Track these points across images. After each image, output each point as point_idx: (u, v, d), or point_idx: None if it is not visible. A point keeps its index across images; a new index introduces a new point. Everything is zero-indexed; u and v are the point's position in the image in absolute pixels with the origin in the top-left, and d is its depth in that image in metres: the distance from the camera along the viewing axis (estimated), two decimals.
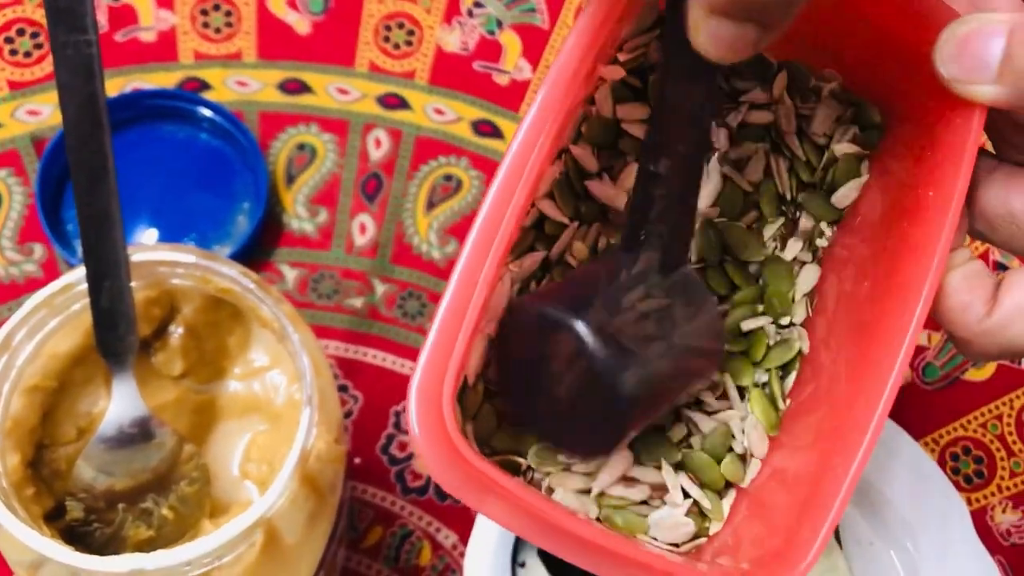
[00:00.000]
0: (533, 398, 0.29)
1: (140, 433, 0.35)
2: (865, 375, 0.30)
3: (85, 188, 0.32)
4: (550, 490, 0.31)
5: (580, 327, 0.26)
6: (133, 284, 0.34)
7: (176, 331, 0.38)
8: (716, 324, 0.30)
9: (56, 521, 0.35)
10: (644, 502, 0.32)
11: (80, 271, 0.34)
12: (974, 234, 0.31)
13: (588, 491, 0.31)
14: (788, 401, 0.33)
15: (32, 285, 0.50)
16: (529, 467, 0.31)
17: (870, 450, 0.29)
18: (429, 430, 0.26)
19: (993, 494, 0.53)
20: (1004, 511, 0.53)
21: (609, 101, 0.32)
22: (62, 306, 0.34)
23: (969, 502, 0.53)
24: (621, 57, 0.32)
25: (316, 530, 0.36)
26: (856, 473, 0.28)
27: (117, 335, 0.34)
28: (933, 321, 0.30)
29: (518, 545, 0.47)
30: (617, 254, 0.29)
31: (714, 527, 0.32)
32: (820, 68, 0.33)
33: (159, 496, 0.36)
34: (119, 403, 0.35)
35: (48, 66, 0.54)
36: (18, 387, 0.34)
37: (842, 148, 0.33)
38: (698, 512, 0.32)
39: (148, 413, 0.35)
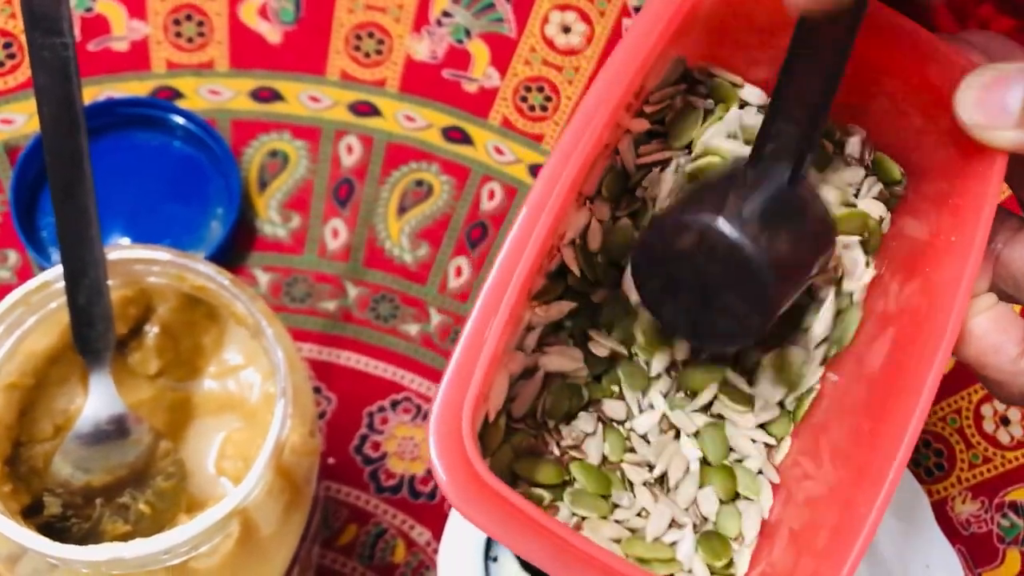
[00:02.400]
0: (681, 304, 0.30)
1: (117, 430, 0.36)
2: (891, 408, 0.30)
3: (62, 187, 0.32)
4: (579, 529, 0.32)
5: (719, 223, 0.28)
6: (110, 283, 0.35)
7: (152, 330, 0.39)
8: (827, 216, 0.31)
9: (34, 517, 0.35)
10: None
11: (57, 269, 0.34)
12: (1001, 295, 0.31)
13: (619, 541, 0.32)
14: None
15: (6, 291, 0.51)
16: (552, 503, 0.32)
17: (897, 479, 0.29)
18: (449, 459, 0.27)
19: (953, 485, 0.54)
20: (964, 502, 0.54)
21: (632, 152, 0.33)
22: (39, 304, 0.35)
23: (930, 493, 0.54)
24: (647, 109, 0.33)
25: (291, 522, 0.36)
26: (885, 500, 0.29)
27: (94, 333, 0.35)
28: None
29: (490, 540, 0.48)
30: (740, 168, 0.30)
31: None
32: (843, 123, 0.34)
33: (136, 491, 0.36)
34: (96, 400, 0.36)
35: (21, 75, 0.55)
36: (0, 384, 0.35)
37: (866, 204, 0.34)
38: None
39: (125, 410, 0.36)
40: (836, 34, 0.29)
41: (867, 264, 0.34)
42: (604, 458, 0.33)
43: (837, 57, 0.29)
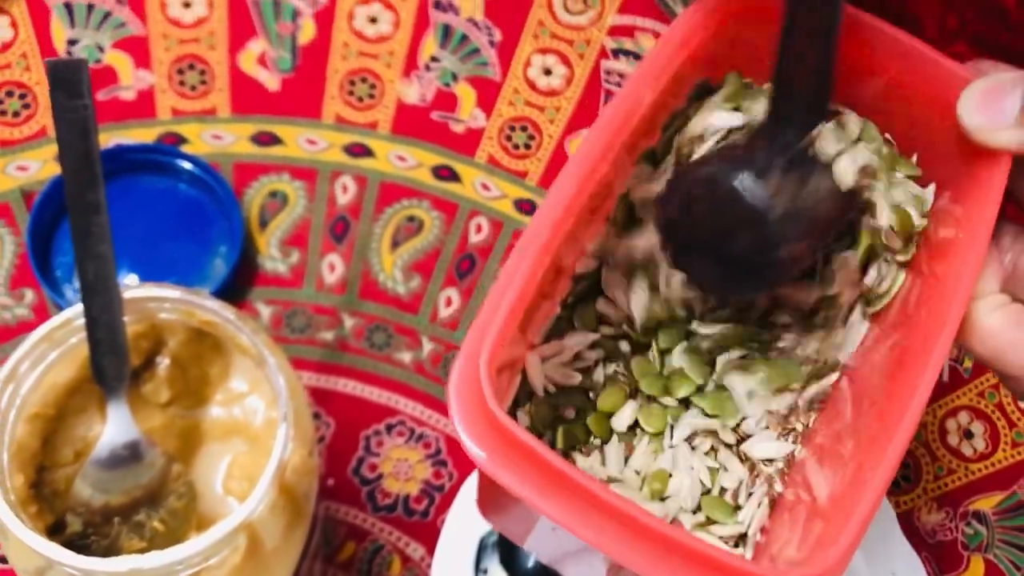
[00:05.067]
0: (701, 253, 0.33)
1: (132, 454, 0.39)
2: (897, 391, 0.32)
3: (82, 232, 0.36)
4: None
5: (741, 178, 0.31)
6: (124, 319, 0.38)
7: (163, 362, 0.42)
8: (835, 190, 0.33)
9: (57, 535, 0.38)
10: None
11: (77, 308, 0.38)
12: (1018, 302, 0.33)
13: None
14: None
15: (24, 327, 0.54)
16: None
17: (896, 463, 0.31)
18: (465, 398, 0.29)
19: (919, 496, 0.57)
20: (929, 512, 0.57)
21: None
22: (61, 340, 0.38)
23: (898, 504, 0.57)
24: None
25: (293, 537, 0.39)
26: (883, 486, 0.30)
27: (111, 365, 0.38)
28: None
29: (480, 554, 0.51)
30: (762, 129, 0.33)
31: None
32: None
33: (151, 510, 0.39)
34: (113, 427, 0.39)
35: (36, 124, 0.58)
36: (22, 415, 0.38)
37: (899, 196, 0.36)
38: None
39: (139, 436, 0.39)
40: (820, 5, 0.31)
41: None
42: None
43: (833, 10, 0.31)
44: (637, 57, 0.64)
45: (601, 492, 0.28)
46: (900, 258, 0.36)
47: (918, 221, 0.35)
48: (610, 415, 0.36)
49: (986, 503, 0.57)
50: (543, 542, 0.37)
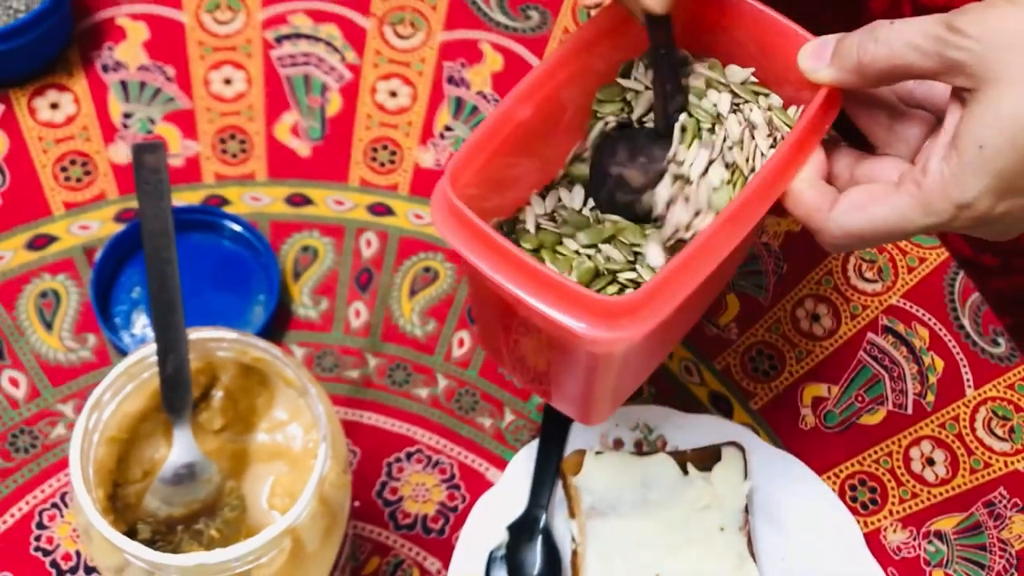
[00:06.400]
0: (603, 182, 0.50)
1: (193, 472, 0.46)
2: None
3: (158, 283, 0.43)
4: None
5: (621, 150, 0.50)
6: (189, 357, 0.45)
7: (217, 394, 0.49)
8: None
9: None
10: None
11: (150, 347, 0.45)
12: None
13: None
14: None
15: (87, 368, 0.61)
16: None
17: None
18: (439, 193, 0.44)
19: (886, 517, 0.63)
20: (895, 531, 0.62)
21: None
22: (136, 374, 0.45)
23: (865, 524, 0.62)
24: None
25: (329, 542, 0.46)
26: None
27: (178, 396, 0.45)
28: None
29: (489, 567, 0.57)
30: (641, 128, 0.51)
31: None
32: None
33: (208, 520, 0.46)
34: (178, 449, 0.46)
35: (96, 189, 0.66)
36: (103, 438, 0.45)
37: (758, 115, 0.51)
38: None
39: (200, 457, 0.46)
40: (667, 28, 0.47)
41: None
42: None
43: (671, 44, 0.48)
44: None
45: (513, 249, 0.43)
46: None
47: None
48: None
49: (947, 523, 0.62)
50: (513, 355, 0.52)
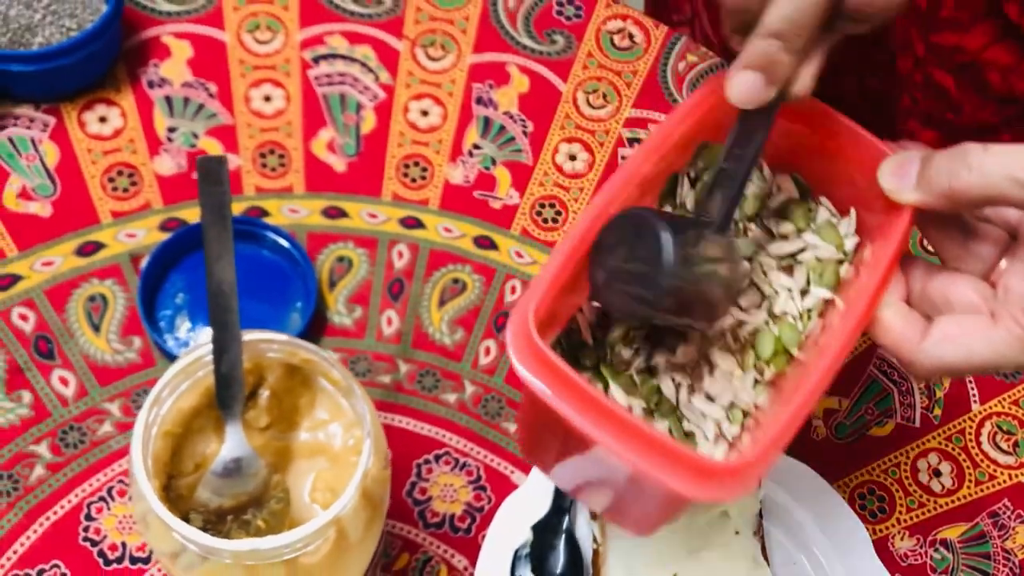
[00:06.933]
0: (608, 277, 0.42)
1: (243, 466, 0.49)
2: (817, 356, 0.44)
3: (216, 287, 0.46)
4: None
5: (666, 232, 0.40)
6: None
7: (264, 394, 0.51)
8: (738, 282, 0.45)
9: None
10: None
11: (203, 348, 0.47)
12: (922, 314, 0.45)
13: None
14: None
15: (132, 369, 0.64)
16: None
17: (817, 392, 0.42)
18: (517, 335, 0.40)
19: (893, 525, 0.65)
20: (902, 539, 0.65)
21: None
22: (192, 372, 0.48)
23: (874, 532, 0.64)
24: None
25: (370, 534, 0.49)
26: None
27: (230, 393, 0.48)
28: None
29: (515, 564, 0.60)
30: (687, 218, 0.44)
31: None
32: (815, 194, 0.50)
33: (256, 511, 0.49)
34: (229, 443, 0.48)
35: (142, 198, 0.69)
36: (160, 432, 0.48)
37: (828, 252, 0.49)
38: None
39: (249, 451, 0.49)
40: (759, 122, 0.44)
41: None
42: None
43: (758, 142, 0.44)
44: None
45: (610, 403, 0.39)
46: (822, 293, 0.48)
47: (843, 271, 0.48)
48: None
49: (952, 532, 0.64)
50: (566, 468, 0.47)
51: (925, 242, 0.60)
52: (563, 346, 0.47)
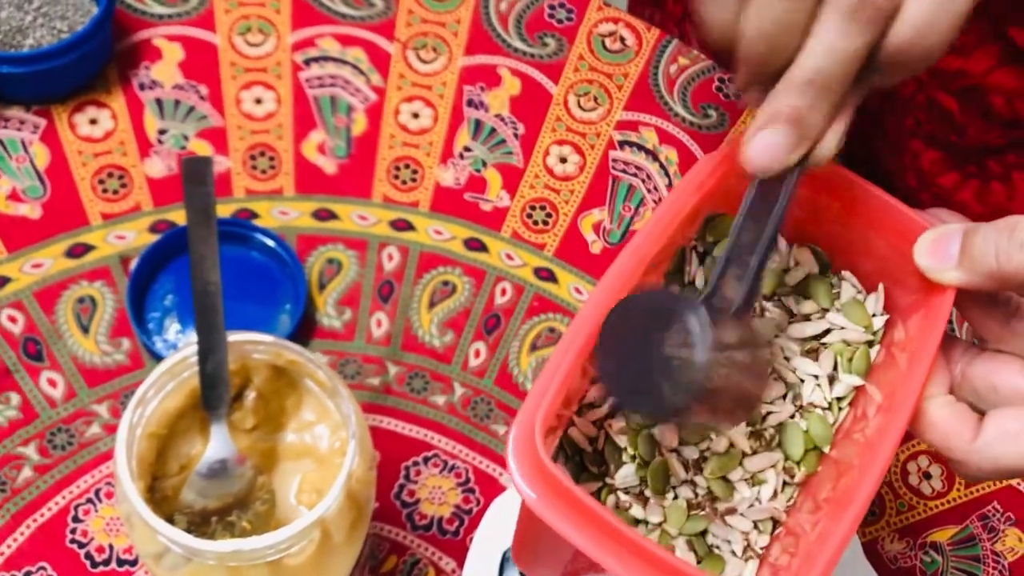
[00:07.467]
0: (623, 369, 0.36)
1: (227, 467, 0.49)
2: (863, 468, 0.39)
3: (202, 289, 0.46)
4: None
5: (694, 314, 0.34)
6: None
7: (249, 395, 0.51)
8: (764, 367, 0.40)
9: None
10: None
11: (192, 348, 0.47)
12: (963, 401, 0.40)
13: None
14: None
15: (121, 371, 0.64)
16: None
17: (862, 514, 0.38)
18: (521, 454, 0.35)
19: (883, 528, 0.65)
20: (892, 542, 0.65)
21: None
22: (177, 373, 0.48)
23: (864, 534, 0.64)
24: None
25: (355, 536, 0.49)
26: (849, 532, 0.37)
27: (216, 394, 0.48)
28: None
29: (502, 566, 0.60)
30: (704, 300, 0.38)
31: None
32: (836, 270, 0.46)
33: (241, 513, 0.49)
34: (214, 445, 0.48)
35: (132, 200, 0.69)
36: (144, 433, 0.47)
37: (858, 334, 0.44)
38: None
39: (234, 453, 0.49)
40: (778, 190, 0.38)
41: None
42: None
43: (779, 214, 0.38)
44: (640, 147, 0.74)
45: (628, 531, 0.35)
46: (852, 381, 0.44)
47: (872, 354, 0.44)
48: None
49: (942, 535, 0.64)
50: None
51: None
52: (566, 451, 0.43)
